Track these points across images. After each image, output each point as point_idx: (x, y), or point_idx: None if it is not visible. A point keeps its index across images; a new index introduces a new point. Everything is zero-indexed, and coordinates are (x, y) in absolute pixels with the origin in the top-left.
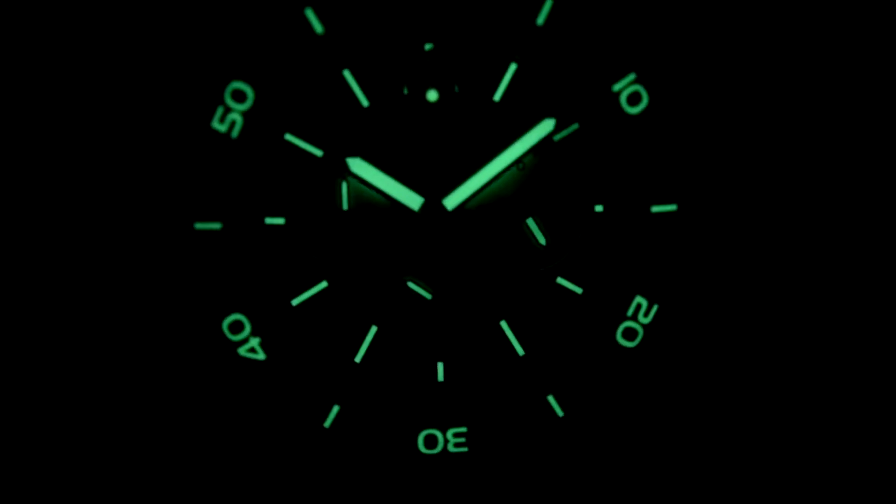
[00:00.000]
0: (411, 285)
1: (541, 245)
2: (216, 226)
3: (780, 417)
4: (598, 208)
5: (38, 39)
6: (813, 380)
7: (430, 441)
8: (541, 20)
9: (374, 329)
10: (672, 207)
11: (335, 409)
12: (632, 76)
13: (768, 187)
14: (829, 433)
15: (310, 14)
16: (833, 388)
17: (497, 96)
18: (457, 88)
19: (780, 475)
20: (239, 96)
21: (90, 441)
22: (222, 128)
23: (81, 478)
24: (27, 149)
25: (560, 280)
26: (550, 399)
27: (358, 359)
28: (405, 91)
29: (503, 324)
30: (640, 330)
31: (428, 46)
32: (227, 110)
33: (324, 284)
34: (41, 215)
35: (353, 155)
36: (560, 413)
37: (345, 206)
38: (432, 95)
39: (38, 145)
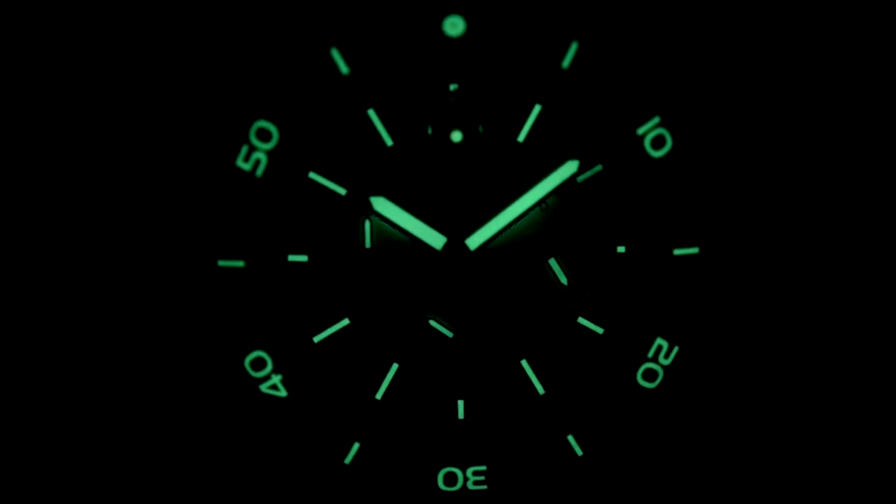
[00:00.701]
0: (433, 323)
1: (563, 285)
2: (239, 264)
3: (798, 462)
4: (621, 249)
5: (71, 85)
6: (832, 426)
7: (450, 479)
8: (566, 63)
9: (395, 367)
10: (694, 250)
11: (356, 446)
12: (656, 119)
13: (790, 231)
14: (847, 476)
15: (335, 54)
16: (854, 433)
17: (521, 137)
18: (481, 129)
19: None
20: (264, 135)
21: (113, 477)
22: (247, 166)
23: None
24: (56, 188)
25: (581, 320)
26: (570, 439)
27: (379, 396)
28: (430, 131)
29: (524, 363)
30: (661, 371)
31: (453, 87)
32: (252, 149)
33: (346, 322)
34: (69, 252)
35: (377, 194)
36: (579, 452)
37: (367, 244)
38: (457, 136)
39: (67, 183)
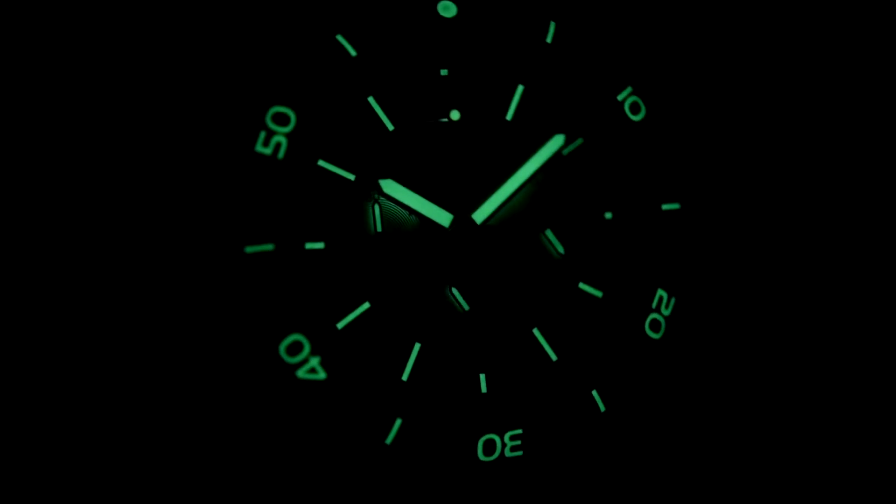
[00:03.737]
0: (454, 292)
1: (559, 254)
2: (269, 247)
3: (796, 402)
4: (608, 215)
5: (89, 77)
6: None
7: (489, 447)
8: (549, 38)
9: (417, 346)
10: (675, 206)
11: (397, 423)
12: (630, 88)
13: (766, 181)
14: (840, 403)
15: (341, 39)
16: (848, 372)
17: (509, 115)
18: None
19: (804, 452)
20: (282, 119)
21: (149, 469)
22: (267, 151)
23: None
24: (83, 180)
25: (582, 285)
26: (595, 394)
27: (405, 377)
28: (438, 119)
29: (536, 331)
30: (663, 321)
31: (444, 72)
32: (271, 133)
33: (366, 306)
34: (99, 245)
35: (383, 177)
36: (602, 408)
37: (379, 228)
38: (455, 115)
39: (93, 176)
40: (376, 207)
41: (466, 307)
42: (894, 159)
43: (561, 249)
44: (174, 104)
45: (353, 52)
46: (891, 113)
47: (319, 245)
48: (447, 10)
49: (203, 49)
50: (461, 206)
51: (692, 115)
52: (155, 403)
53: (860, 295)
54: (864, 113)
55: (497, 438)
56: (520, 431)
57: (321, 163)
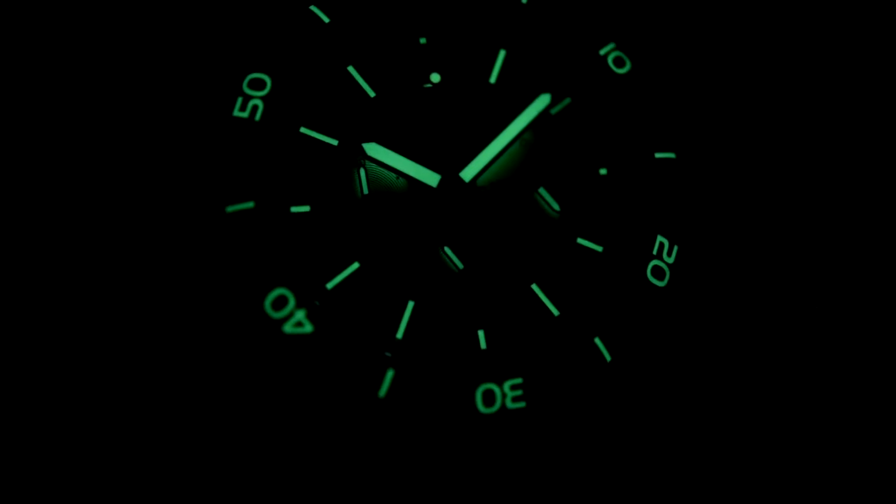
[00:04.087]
0: (447, 251)
1: (555, 210)
2: (249, 205)
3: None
4: (603, 171)
5: (72, 47)
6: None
7: (489, 397)
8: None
9: (411, 304)
10: (670, 155)
11: (389, 374)
12: (612, 44)
13: (760, 125)
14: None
15: (317, 11)
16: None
17: (493, 79)
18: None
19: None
20: (257, 84)
21: (141, 427)
22: (244, 114)
23: (134, 462)
24: (67, 148)
25: (580, 240)
26: (599, 343)
27: (399, 335)
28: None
29: (534, 287)
30: (667, 269)
31: (422, 40)
32: (248, 98)
33: (356, 265)
34: (85, 209)
35: (366, 142)
36: (608, 357)
37: (365, 191)
38: (435, 77)
39: (77, 144)
40: (362, 171)
41: (461, 266)
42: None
43: (556, 207)
44: (154, 75)
45: (325, 19)
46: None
47: (305, 208)
48: None
49: (181, 22)
50: (449, 167)
51: (678, 63)
52: (143, 364)
53: (861, 233)
54: (856, 63)
55: (496, 388)
56: (520, 381)
57: (303, 129)
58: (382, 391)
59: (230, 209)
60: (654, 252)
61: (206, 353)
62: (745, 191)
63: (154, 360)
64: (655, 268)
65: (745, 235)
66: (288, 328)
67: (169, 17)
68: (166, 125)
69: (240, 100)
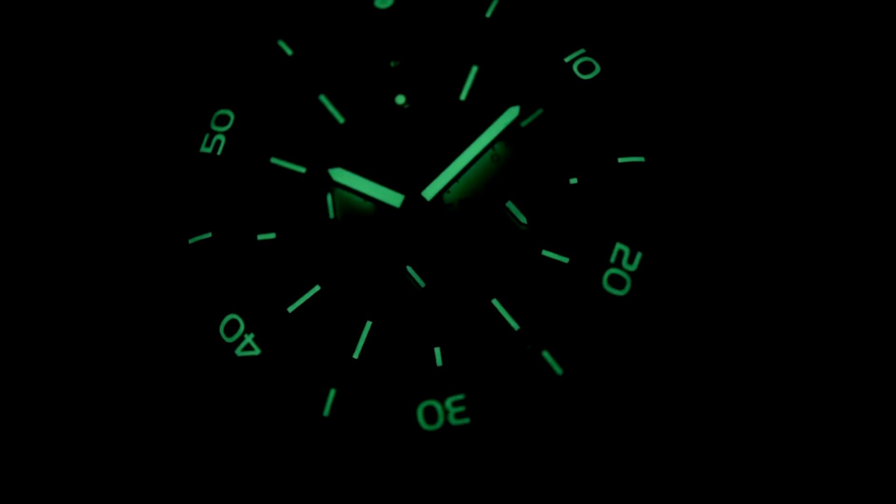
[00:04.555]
0: (409, 270)
1: (523, 224)
2: (206, 235)
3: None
4: (573, 181)
5: (53, 83)
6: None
7: (430, 414)
8: (489, 13)
9: (369, 324)
10: (640, 159)
11: (332, 393)
12: (582, 50)
13: (731, 128)
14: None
15: (283, 45)
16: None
17: (463, 96)
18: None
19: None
20: (222, 120)
21: (98, 446)
22: (208, 150)
23: (88, 480)
24: (43, 180)
25: (546, 252)
26: (546, 355)
27: (356, 355)
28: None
29: (495, 301)
30: (627, 278)
31: (393, 63)
32: (213, 134)
33: (317, 288)
34: (58, 234)
35: (334, 167)
36: (559, 371)
37: (331, 215)
38: (400, 99)
39: (54, 173)
40: (329, 196)
41: (423, 284)
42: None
43: (524, 220)
44: (126, 115)
45: (289, 52)
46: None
47: (271, 236)
48: (384, 1)
49: (153, 61)
50: (413, 187)
51: (647, 65)
52: (106, 380)
53: (834, 245)
54: (831, 53)
55: (438, 405)
56: (462, 397)
57: (273, 160)
58: (326, 410)
59: (192, 241)
60: (612, 260)
61: (169, 377)
62: (717, 195)
63: (118, 381)
64: (613, 276)
65: (717, 242)
66: (239, 352)
67: (142, 57)
68: (139, 162)
69: (206, 136)
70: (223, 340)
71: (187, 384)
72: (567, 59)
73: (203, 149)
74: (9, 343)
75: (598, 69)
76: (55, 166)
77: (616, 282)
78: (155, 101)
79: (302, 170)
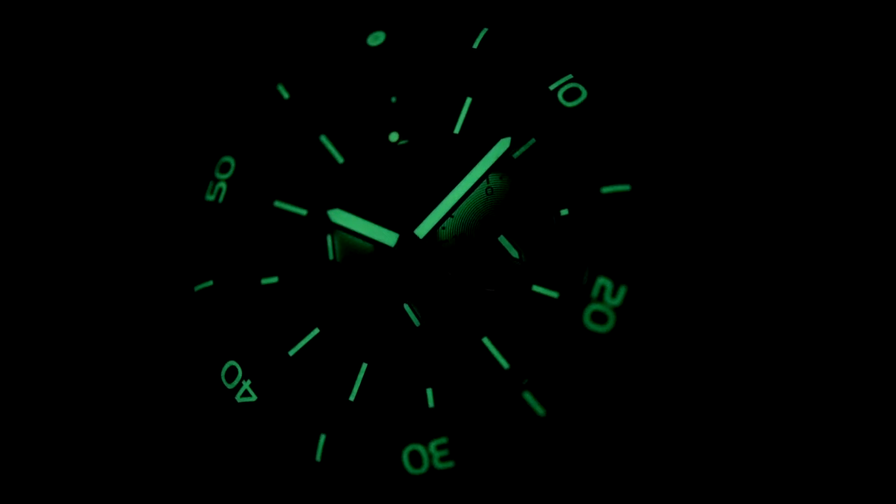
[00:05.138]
0: (406, 308)
1: (514, 259)
2: (208, 283)
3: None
4: (564, 212)
5: (60, 129)
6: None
7: (415, 458)
8: (476, 44)
9: (364, 366)
10: (625, 187)
11: (322, 438)
12: (569, 76)
13: (717, 163)
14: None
15: (281, 88)
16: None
17: (457, 129)
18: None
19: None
20: (224, 168)
21: (101, 489)
22: (211, 197)
23: None
24: (53, 224)
25: (536, 288)
26: (527, 396)
27: (352, 397)
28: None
29: (485, 340)
30: (611, 313)
31: (393, 99)
32: (216, 181)
33: (316, 331)
34: (69, 284)
35: (334, 207)
36: (541, 412)
37: (331, 256)
38: (393, 136)
39: (64, 221)
40: (329, 238)
41: (418, 323)
42: (851, 118)
43: (516, 255)
44: (136, 164)
45: (286, 95)
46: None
47: (273, 280)
48: (376, 39)
49: (156, 111)
50: (408, 225)
51: (633, 92)
52: (111, 429)
53: (824, 279)
54: (815, 72)
55: (422, 449)
56: (445, 440)
57: (277, 203)
58: (318, 455)
59: (197, 288)
60: (595, 295)
61: (172, 424)
62: (705, 224)
63: (121, 426)
64: (595, 313)
65: (706, 274)
66: (239, 397)
67: (145, 107)
68: (145, 212)
69: (210, 183)
70: (225, 387)
71: (190, 431)
72: (552, 87)
73: (207, 196)
74: (15, 390)
75: (584, 95)
76: (63, 213)
77: (598, 318)
78: (161, 149)
79: (303, 212)
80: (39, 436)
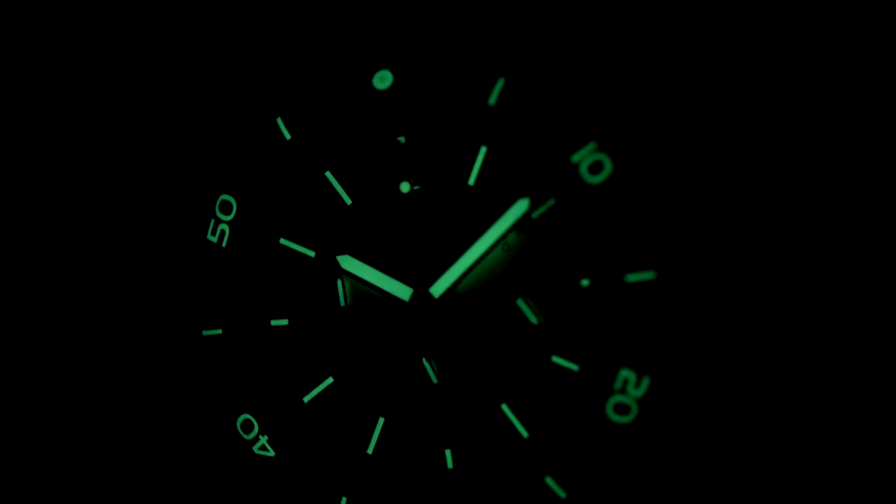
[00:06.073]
0: (425, 363)
1: (533, 325)
2: (217, 332)
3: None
4: (585, 282)
5: (58, 159)
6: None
7: None
8: (492, 100)
9: (381, 421)
10: (650, 275)
11: (343, 501)
12: (592, 145)
13: (747, 246)
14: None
15: (280, 123)
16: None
17: (471, 180)
18: (424, 179)
19: None
20: (225, 208)
21: None
22: (214, 238)
23: None
24: (58, 268)
25: (555, 359)
26: (549, 481)
27: (370, 450)
28: (423, 180)
29: (504, 407)
30: (633, 404)
31: (402, 139)
32: (218, 222)
33: (329, 380)
34: (74, 328)
35: (343, 252)
36: (562, 494)
37: (342, 302)
38: (405, 187)
39: (68, 265)
40: (339, 282)
41: (436, 380)
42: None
43: (534, 320)
44: (135, 199)
45: (287, 136)
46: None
47: (283, 322)
48: (383, 80)
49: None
50: (423, 279)
51: (666, 170)
52: (119, 468)
53: (858, 369)
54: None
55: None
56: None
57: (282, 241)
58: None
59: (206, 333)
60: (618, 387)
61: (188, 466)
62: (735, 320)
63: (136, 474)
64: (618, 405)
65: (733, 370)
66: (256, 449)
67: (142, 140)
68: (150, 248)
69: (212, 222)
70: (241, 437)
71: (208, 478)
72: (574, 159)
73: (209, 237)
74: (27, 438)
75: (608, 170)
76: (62, 248)
77: (621, 409)
78: (157, 184)
79: (311, 253)
80: (52, 492)
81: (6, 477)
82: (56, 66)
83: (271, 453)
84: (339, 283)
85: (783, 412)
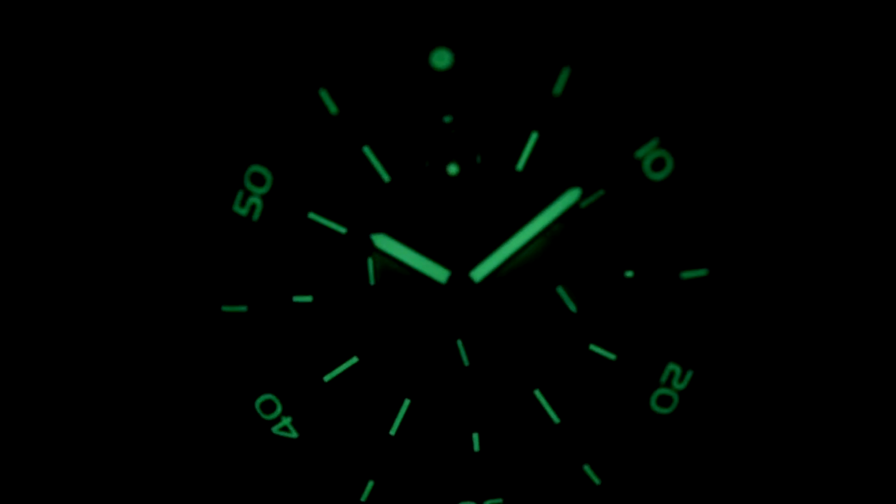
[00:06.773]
0: (458, 344)
1: (572, 312)
2: (242, 308)
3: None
4: (629, 274)
5: (78, 145)
6: (852, 442)
7: None
8: (558, 90)
9: (407, 402)
10: (702, 272)
11: (370, 484)
12: (655, 141)
13: (798, 250)
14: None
15: (324, 95)
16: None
17: (520, 166)
18: (479, 159)
19: None
20: (258, 180)
21: None
22: (243, 211)
23: None
24: (74, 251)
25: (593, 347)
26: (587, 468)
27: (393, 432)
28: (427, 164)
29: (537, 392)
30: (675, 396)
31: (447, 119)
32: (248, 194)
33: (354, 360)
34: (87, 306)
35: (377, 230)
36: (597, 481)
37: (372, 280)
38: (453, 169)
39: (82, 242)
40: (370, 260)
41: (466, 362)
42: None
43: (573, 308)
44: (155, 161)
45: (333, 110)
46: None
47: (307, 298)
48: (441, 60)
49: (186, 106)
50: (461, 262)
51: (726, 173)
52: (136, 450)
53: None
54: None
55: None
56: (500, 501)
57: (311, 216)
58: (364, 496)
59: (226, 309)
60: (664, 381)
61: (204, 445)
62: (779, 321)
63: (151, 453)
64: (662, 397)
65: (773, 370)
66: (276, 430)
67: (172, 102)
68: (171, 219)
69: (240, 194)
70: (260, 417)
71: (224, 458)
72: (638, 155)
73: (237, 208)
74: (31, 419)
75: (670, 167)
76: (80, 227)
77: (664, 401)
78: (182, 150)
79: (343, 230)
80: (60, 468)
81: (17, 458)
82: (86, 32)
83: (294, 435)
84: (370, 261)
85: (818, 409)
